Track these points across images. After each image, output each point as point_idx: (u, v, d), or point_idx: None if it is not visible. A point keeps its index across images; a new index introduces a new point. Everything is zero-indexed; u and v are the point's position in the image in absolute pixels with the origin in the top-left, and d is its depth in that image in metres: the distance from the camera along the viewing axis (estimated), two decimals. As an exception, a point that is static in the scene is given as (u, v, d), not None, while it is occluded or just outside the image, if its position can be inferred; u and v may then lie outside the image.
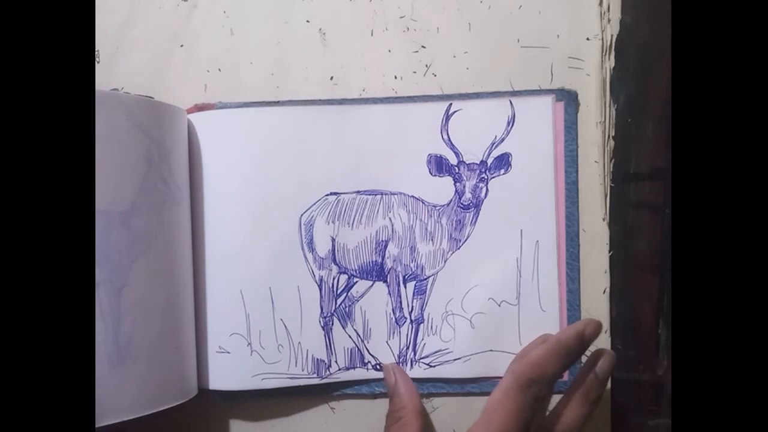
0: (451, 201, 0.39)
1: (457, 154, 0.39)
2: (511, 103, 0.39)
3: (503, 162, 0.39)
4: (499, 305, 0.39)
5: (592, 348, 0.39)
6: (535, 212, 0.39)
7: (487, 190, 0.39)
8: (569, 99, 0.39)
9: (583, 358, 0.39)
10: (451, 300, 0.39)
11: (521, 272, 0.39)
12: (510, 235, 0.39)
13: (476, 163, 0.39)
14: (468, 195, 0.39)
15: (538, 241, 0.39)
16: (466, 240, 0.39)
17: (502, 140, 0.39)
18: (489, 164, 0.39)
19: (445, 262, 0.39)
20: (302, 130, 0.39)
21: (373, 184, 0.39)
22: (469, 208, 0.39)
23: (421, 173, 0.39)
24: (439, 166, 0.39)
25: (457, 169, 0.39)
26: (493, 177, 0.39)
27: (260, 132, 0.39)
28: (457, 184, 0.39)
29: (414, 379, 0.39)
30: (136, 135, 0.34)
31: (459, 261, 0.39)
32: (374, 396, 0.40)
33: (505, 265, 0.39)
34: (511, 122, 0.39)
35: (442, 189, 0.39)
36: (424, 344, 0.39)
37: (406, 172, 0.39)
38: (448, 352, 0.39)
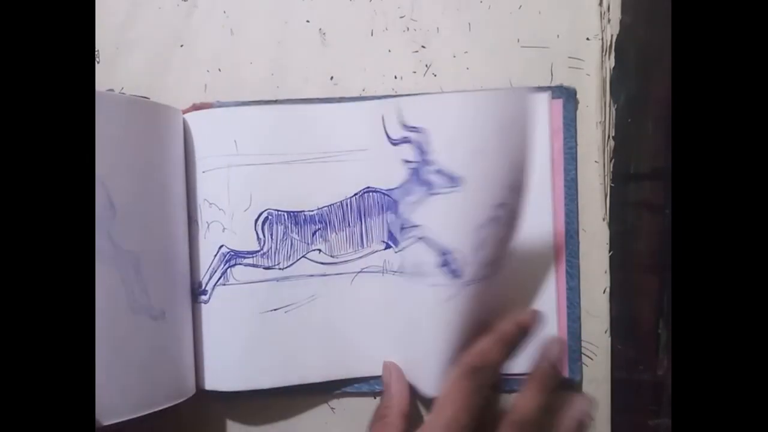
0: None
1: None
2: None
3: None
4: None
5: (592, 347, 0.40)
6: (531, 209, 0.39)
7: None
8: (568, 96, 0.39)
9: (587, 360, 0.39)
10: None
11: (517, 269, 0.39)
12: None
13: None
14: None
15: (534, 238, 0.39)
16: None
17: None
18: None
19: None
20: (300, 128, 0.39)
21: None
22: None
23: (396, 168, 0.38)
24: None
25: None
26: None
27: (257, 130, 0.39)
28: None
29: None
30: (131, 136, 0.34)
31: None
32: (374, 395, 0.40)
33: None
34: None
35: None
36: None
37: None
38: None
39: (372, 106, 0.39)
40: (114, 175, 0.33)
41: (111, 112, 0.33)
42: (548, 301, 0.39)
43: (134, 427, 0.34)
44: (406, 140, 0.36)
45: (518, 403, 0.34)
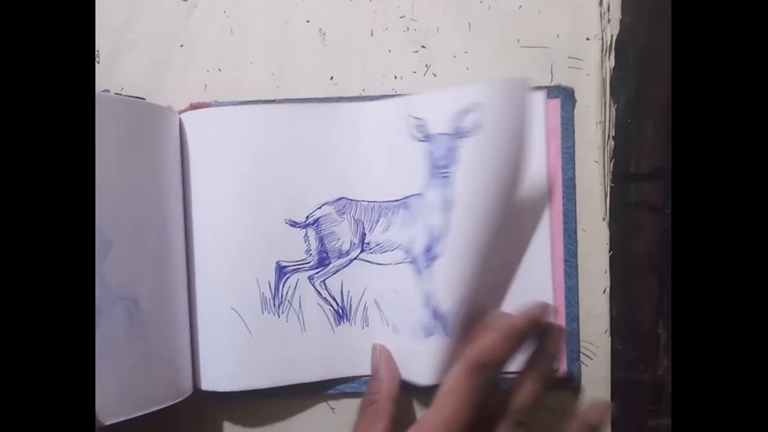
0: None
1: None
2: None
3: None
4: (489, 300, 0.39)
5: (592, 347, 0.40)
6: (525, 209, 0.39)
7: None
8: (565, 96, 0.39)
9: (587, 360, 0.39)
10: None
11: (511, 268, 0.39)
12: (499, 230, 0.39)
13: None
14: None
15: (529, 237, 0.39)
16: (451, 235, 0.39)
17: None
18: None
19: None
20: (297, 127, 0.39)
21: (369, 181, 0.39)
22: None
23: (416, 169, 0.38)
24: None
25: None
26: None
27: (253, 129, 0.38)
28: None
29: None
30: (125, 137, 0.34)
31: (447, 256, 0.39)
32: (374, 396, 0.40)
33: (494, 261, 0.39)
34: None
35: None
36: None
37: (402, 168, 0.39)
38: None
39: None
40: (107, 176, 0.33)
41: (104, 113, 0.33)
42: (544, 299, 0.39)
43: (132, 427, 0.34)
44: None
45: (516, 392, 0.33)
